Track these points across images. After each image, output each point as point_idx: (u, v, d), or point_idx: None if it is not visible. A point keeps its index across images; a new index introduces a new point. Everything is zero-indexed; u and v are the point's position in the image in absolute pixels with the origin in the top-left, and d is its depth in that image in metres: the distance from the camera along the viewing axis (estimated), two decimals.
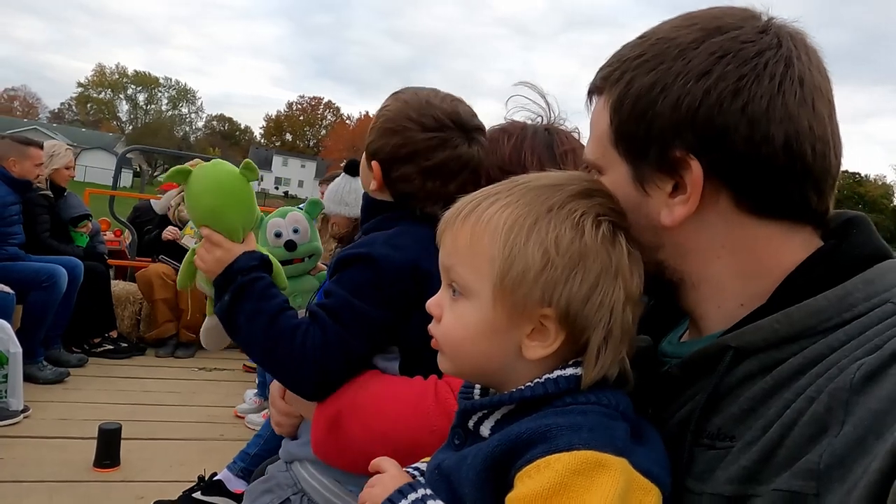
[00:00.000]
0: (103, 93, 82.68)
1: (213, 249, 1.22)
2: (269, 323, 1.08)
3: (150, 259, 5.49)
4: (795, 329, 0.62)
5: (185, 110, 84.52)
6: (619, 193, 0.72)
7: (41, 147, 4.38)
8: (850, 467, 0.51)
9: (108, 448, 2.98)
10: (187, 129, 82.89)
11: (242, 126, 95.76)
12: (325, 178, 5.33)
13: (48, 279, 4.10)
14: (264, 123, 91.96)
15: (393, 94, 1.25)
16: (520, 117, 1.33)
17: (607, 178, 0.74)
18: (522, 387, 0.66)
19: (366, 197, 1.27)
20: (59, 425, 3.43)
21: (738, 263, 0.68)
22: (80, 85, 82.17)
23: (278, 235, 1.67)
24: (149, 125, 75.87)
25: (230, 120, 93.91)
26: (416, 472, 0.79)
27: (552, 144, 1.25)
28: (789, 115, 0.63)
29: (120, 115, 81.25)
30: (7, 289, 3.80)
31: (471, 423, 0.71)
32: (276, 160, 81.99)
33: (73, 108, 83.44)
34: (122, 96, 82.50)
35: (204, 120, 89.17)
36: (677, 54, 0.66)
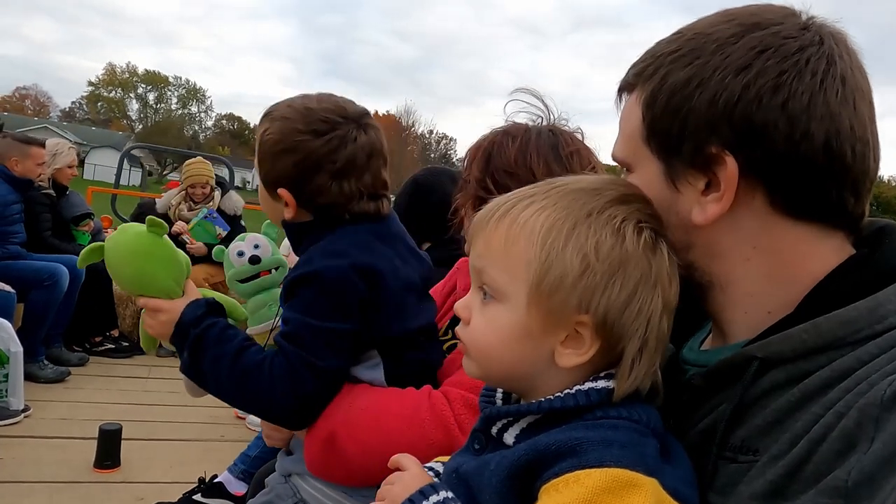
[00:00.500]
0: (114, 92, 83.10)
1: (157, 314, 1.19)
2: (233, 364, 1.07)
3: None
4: (825, 340, 0.60)
5: (194, 109, 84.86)
6: (648, 192, 0.70)
7: (43, 146, 4.36)
8: (880, 484, 0.49)
9: (109, 449, 2.97)
10: (197, 128, 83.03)
11: (251, 125, 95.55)
12: None
13: (50, 278, 4.08)
14: None
15: (264, 116, 1.19)
16: (520, 119, 1.31)
17: (637, 175, 0.72)
18: (552, 397, 0.64)
19: (286, 226, 1.22)
20: (60, 425, 3.42)
21: (768, 266, 0.66)
22: (90, 84, 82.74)
23: (241, 255, 1.72)
24: (158, 124, 76.09)
25: (239, 119, 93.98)
26: (431, 473, 0.78)
27: (557, 146, 1.24)
28: (830, 114, 0.61)
29: (130, 113, 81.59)
30: (8, 288, 3.79)
31: (494, 430, 0.69)
32: None
33: (84, 106, 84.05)
34: (132, 95, 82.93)
35: (213, 119, 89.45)
36: (715, 49, 0.64)
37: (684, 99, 0.65)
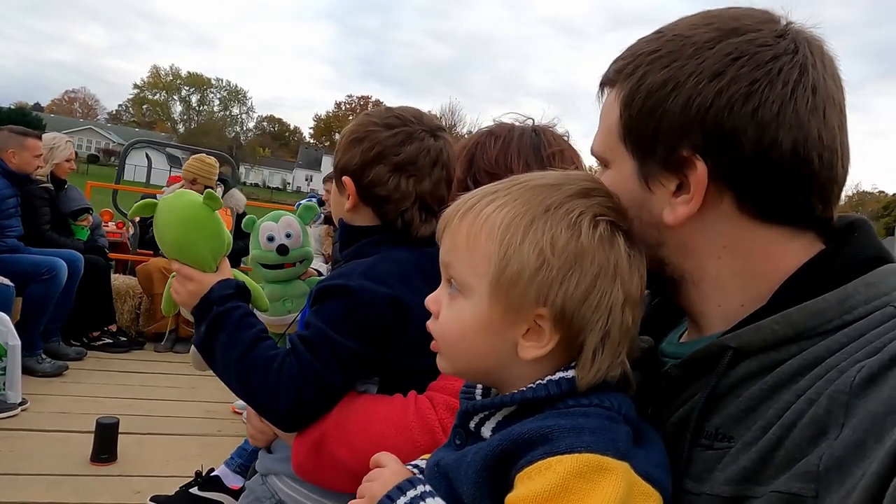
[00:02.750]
0: (158, 94, 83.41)
1: (186, 283, 1.21)
2: (245, 353, 1.07)
3: (151, 252, 5.49)
4: (795, 330, 0.61)
5: (236, 111, 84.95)
6: (622, 188, 0.71)
7: (39, 138, 4.37)
8: (850, 470, 0.51)
9: (106, 442, 2.98)
10: (238, 129, 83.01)
11: (292, 127, 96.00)
12: (327, 177, 5.33)
13: (48, 271, 4.09)
14: (313, 123, 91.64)
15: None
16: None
17: (612, 171, 0.74)
18: (524, 388, 0.66)
19: (342, 224, 1.24)
20: (58, 419, 3.43)
21: (738, 264, 0.68)
22: (135, 87, 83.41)
23: (271, 239, 1.65)
24: (200, 125, 76.10)
25: (280, 121, 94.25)
26: (416, 469, 0.79)
27: (539, 146, 1.24)
28: (799, 122, 0.63)
29: (174, 115, 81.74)
30: (6, 281, 3.79)
31: (472, 425, 0.70)
32: (326, 160, 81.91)
33: (130, 109, 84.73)
34: (175, 98, 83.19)
35: (255, 121, 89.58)
36: (692, 53, 0.65)
37: (660, 101, 0.66)
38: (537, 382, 0.65)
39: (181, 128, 76.76)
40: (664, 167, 0.67)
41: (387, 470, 0.75)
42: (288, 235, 1.65)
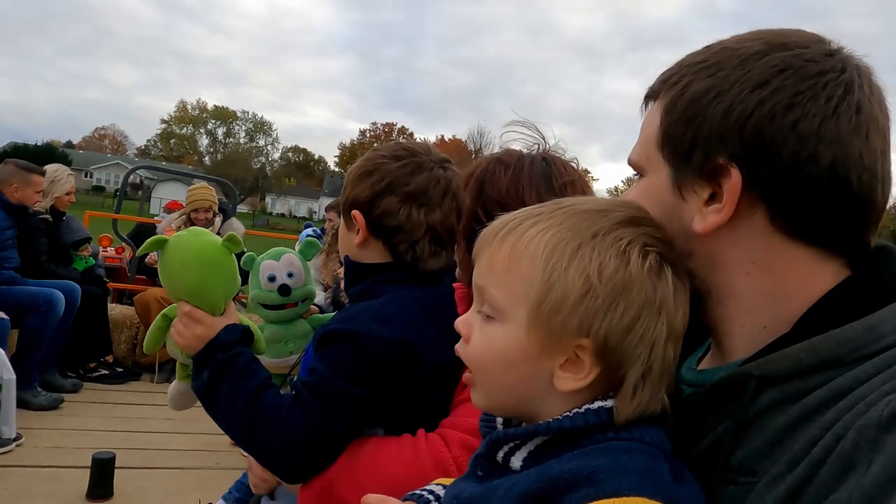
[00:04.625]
0: (185, 128, 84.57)
1: (194, 326, 1.15)
2: (250, 402, 1.04)
3: (147, 279, 5.47)
4: (822, 359, 0.59)
5: (261, 142, 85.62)
6: (655, 196, 0.70)
7: (43, 174, 4.38)
8: None
9: (102, 478, 2.92)
10: (264, 160, 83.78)
11: (316, 156, 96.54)
12: (330, 205, 5.34)
13: (45, 303, 4.06)
14: (338, 152, 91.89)
15: None
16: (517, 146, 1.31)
17: (647, 180, 0.73)
18: (560, 417, 0.63)
19: (348, 262, 1.21)
20: (53, 454, 3.36)
21: (766, 283, 0.66)
22: (163, 121, 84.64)
23: (272, 279, 1.60)
24: (227, 157, 76.79)
25: (304, 151, 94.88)
26: (430, 497, 0.75)
27: (550, 176, 1.23)
28: (840, 139, 0.61)
29: (200, 149, 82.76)
30: (1, 314, 3.76)
31: (500, 455, 0.67)
32: None
33: (158, 144, 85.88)
34: (202, 131, 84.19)
35: (280, 151, 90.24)
36: (738, 63, 0.65)
37: (701, 107, 0.65)
38: (574, 411, 0.62)
39: (207, 160, 77.61)
40: (699, 175, 0.66)
41: None
42: (290, 275, 1.60)
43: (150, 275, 5.39)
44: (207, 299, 1.17)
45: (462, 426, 1.02)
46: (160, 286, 4.94)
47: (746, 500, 0.58)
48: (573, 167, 1.28)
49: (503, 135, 1.35)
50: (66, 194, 4.74)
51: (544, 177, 1.22)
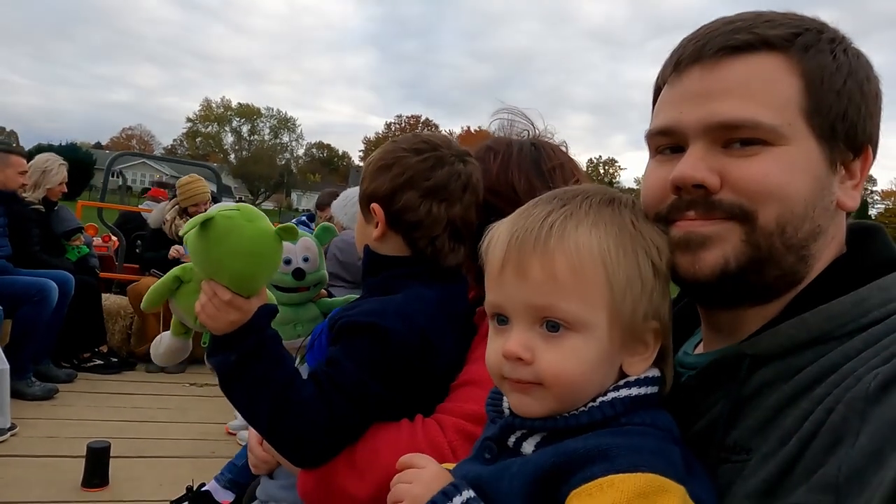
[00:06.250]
0: (210, 126, 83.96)
1: (230, 312, 1.06)
2: (279, 394, 1.01)
3: (136, 266, 5.48)
4: (811, 334, 0.61)
5: (285, 139, 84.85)
6: (808, 171, 0.66)
7: (23, 155, 4.34)
8: (868, 479, 0.50)
9: (97, 467, 2.93)
10: (289, 156, 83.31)
11: (340, 152, 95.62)
12: (320, 203, 5.33)
13: (39, 293, 4.04)
14: (363, 146, 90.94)
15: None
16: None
17: (787, 149, 0.65)
18: (577, 412, 0.65)
19: (367, 252, 1.19)
20: (47, 443, 3.37)
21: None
22: (188, 120, 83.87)
23: (288, 262, 1.59)
24: (252, 154, 76.48)
25: (328, 147, 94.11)
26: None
27: (539, 160, 1.24)
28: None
29: (226, 147, 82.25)
30: None
31: (511, 440, 0.68)
32: None
33: (184, 143, 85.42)
34: (227, 129, 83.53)
35: (304, 147, 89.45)
36: (856, 52, 0.71)
37: (856, 84, 0.68)
38: (589, 405, 0.65)
39: (233, 157, 77.35)
40: (849, 150, 0.69)
41: (426, 472, 0.71)
42: (305, 259, 1.61)
43: (140, 263, 5.37)
44: (250, 287, 1.09)
45: (457, 412, 1.03)
46: (151, 276, 4.97)
47: (740, 477, 0.60)
48: (562, 151, 1.30)
49: (492, 123, 1.35)
50: (59, 185, 4.70)
51: (533, 161, 1.23)
